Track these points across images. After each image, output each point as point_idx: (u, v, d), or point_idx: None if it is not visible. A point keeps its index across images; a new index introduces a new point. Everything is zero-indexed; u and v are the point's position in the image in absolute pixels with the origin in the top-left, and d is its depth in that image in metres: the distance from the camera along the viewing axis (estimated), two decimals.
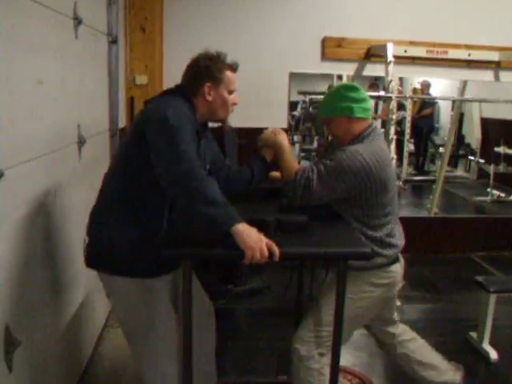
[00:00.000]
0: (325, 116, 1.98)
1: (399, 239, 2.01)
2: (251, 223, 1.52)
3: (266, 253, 1.45)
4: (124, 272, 1.68)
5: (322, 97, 6.56)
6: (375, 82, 6.12)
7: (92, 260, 1.75)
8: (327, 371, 1.79)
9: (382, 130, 5.22)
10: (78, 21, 2.18)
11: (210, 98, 1.74)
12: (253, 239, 1.45)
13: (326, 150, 2.20)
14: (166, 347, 1.78)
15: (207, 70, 1.74)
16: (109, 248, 1.68)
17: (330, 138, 2.43)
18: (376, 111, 6.24)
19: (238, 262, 1.48)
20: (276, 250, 1.47)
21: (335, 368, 1.73)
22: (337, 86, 2.10)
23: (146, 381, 1.82)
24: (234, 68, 1.81)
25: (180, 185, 1.51)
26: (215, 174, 1.89)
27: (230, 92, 1.78)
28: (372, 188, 1.84)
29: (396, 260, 2.00)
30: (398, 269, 2.01)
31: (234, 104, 1.81)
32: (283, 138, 1.95)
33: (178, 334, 1.76)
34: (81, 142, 2.27)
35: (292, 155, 1.95)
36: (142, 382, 1.83)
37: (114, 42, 2.99)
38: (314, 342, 1.91)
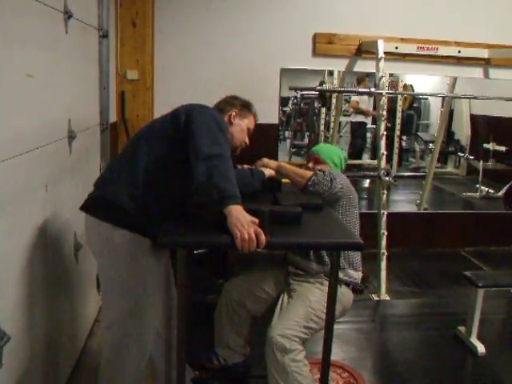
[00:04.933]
0: (323, 156, 2.41)
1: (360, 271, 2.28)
2: (248, 212, 1.54)
3: (253, 236, 1.48)
4: (126, 225, 1.71)
5: (313, 93, 6.56)
6: (362, 76, 6.15)
7: (94, 209, 1.78)
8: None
9: (373, 126, 5.23)
10: (68, 15, 2.17)
11: (233, 122, 2.04)
12: (241, 222, 1.49)
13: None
14: (147, 321, 1.82)
15: (239, 103, 2.09)
16: (117, 201, 1.71)
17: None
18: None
19: (228, 250, 1.51)
20: (262, 238, 1.49)
21: (327, 360, 1.75)
22: (338, 149, 2.58)
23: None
24: (256, 118, 2.14)
25: (209, 161, 1.57)
26: None
27: (248, 131, 2.09)
28: (352, 198, 2.25)
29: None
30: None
31: (246, 143, 2.08)
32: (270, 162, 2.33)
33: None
34: (71, 137, 2.26)
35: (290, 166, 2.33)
36: (111, 343, 1.86)
37: (104, 36, 2.98)
38: (296, 336, 1.96)
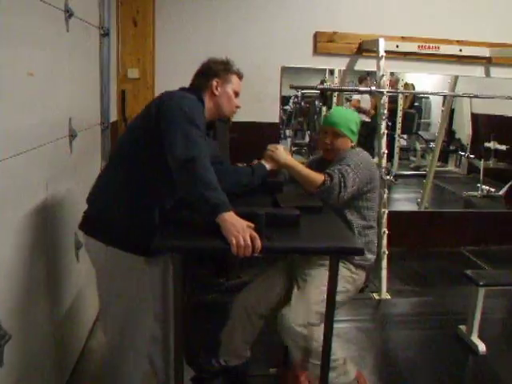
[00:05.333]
0: (341, 130, 2.21)
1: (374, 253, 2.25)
2: (242, 216, 1.53)
3: (249, 242, 1.47)
4: (114, 242, 1.73)
5: (314, 91, 6.53)
6: (364, 75, 6.14)
7: (89, 227, 1.79)
8: None
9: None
10: (69, 13, 2.17)
11: (217, 93, 1.87)
12: (236, 228, 1.48)
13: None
14: (141, 338, 1.85)
15: (217, 69, 1.90)
16: (107, 218, 1.74)
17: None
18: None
19: (226, 254, 1.49)
20: (258, 243, 1.49)
21: (327, 358, 1.75)
22: (348, 110, 2.42)
23: (112, 353, 1.90)
24: (240, 75, 1.97)
25: (186, 169, 1.56)
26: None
27: (236, 94, 1.93)
28: (373, 182, 2.17)
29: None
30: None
31: (238, 107, 1.95)
32: (290, 157, 2.15)
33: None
34: (72, 136, 2.26)
35: (301, 165, 2.15)
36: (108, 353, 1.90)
37: (105, 35, 2.97)
38: (313, 323, 1.98)
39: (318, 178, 2.04)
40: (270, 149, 2.13)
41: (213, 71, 1.90)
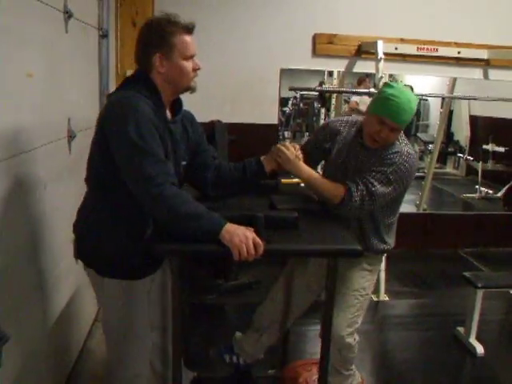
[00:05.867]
0: (402, 124, 1.90)
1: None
2: (241, 219, 1.53)
3: (253, 250, 1.45)
4: (111, 273, 1.64)
5: (313, 93, 6.53)
6: (363, 77, 6.14)
7: (82, 256, 1.72)
8: None
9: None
10: (68, 14, 2.17)
11: (162, 70, 1.56)
12: (239, 237, 1.44)
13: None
14: (141, 349, 1.78)
15: (154, 38, 1.55)
16: (96, 249, 1.64)
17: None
18: None
19: (227, 258, 1.48)
20: (261, 249, 1.46)
21: (326, 359, 1.75)
22: (414, 97, 1.90)
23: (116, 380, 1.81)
24: (189, 29, 1.60)
25: (157, 208, 1.47)
26: (201, 168, 1.83)
27: (187, 58, 1.57)
28: (408, 187, 2.00)
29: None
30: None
31: (196, 69, 1.61)
32: (301, 164, 1.87)
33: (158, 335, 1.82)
34: (71, 136, 2.26)
35: (314, 174, 1.91)
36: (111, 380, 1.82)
37: (104, 36, 2.98)
38: (357, 327, 2.06)
39: (337, 194, 1.87)
40: (277, 149, 1.84)
41: (150, 44, 1.56)
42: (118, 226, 1.61)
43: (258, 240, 1.46)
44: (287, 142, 1.89)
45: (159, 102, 1.59)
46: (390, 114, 1.85)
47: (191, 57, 1.59)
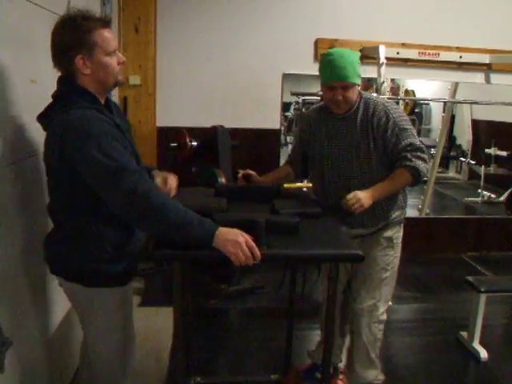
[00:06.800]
0: (350, 81, 1.95)
1: None
2: (242, 223, 1.53)
3: (248, 253, 1.42)
4: (101, 283, 1.59)
5: (315, 98, 6.56)
6: (369, 83, 6.14)
7: (63, 272, 1.63)
8: None
9: None
10: None
11: (87, 71, 1.48)
12: (232, 243, 1.42)
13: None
14: (132, 350, 1.79)
15: (73, 39, 1.44)
16: (82, 262, 1.57)
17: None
18: None
19: (227, 263, 1.47)
20: (256, 252, 1.44)
21: (327, 360, 1.74)
22: (349, 50, 2.04)
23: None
24: (106, 22, 1.51)
25: (143, 220, 1.43)
26: None
27: (110, 53, 1.50)
28: None
29: None
30: None
31: (121, 63, 1.54)
32: (364, 197, 1.91)
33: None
34: None
35: (380, 185, 1.99)
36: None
37: None
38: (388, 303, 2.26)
39: (406, 178, 1.98)
40: (348, 202, 1.90)
41: (69, 46, 1.45)
42: (100, 237, 1.55)
43: (251, 243, 1.44)
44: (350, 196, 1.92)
45: (99, 106, 1.53)
46: (331, 77, 1.96)
47: (114, 51, 1.51)
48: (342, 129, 2.07)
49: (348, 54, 1.98)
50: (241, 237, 1.44)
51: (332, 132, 2.10)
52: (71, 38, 1.44)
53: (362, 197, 1.89)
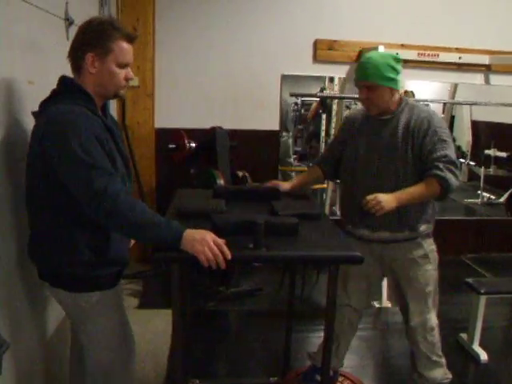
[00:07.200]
0: (370, 80, 1.97)
1: None
2: (241, 225, 1.52)
3: (217, 251, 1.39)
4: (84, 288, 1.58)
5: (313, 99, 6.54)
6: None
7: (52, 280, 1.61)
8: None
9: None
10: (69, 22, 2.18)
11: (93, 70, 1.49)
12: (199, 242, 1.40)
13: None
14: (129, 349, 1.77)
15: (92, 37, 1.48)
16: (68, 269, 1.55)
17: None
18: None
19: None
20: (225, 249, 1.41)
21: (326, 363, 1.73)
22: (383, 53, 2.13)
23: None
24: (130, 38, 1.53)
25: (110, 220, 1.42)
26: None
27: (121, 65, 1.52)
28: None
29: None
30: None
31: (128, 79, 1.57)
32: (386, 200, 1.88)
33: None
34: None
35: (404, 192, 1.95)
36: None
37: None
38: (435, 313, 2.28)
39: (434, 189, 1.93)
40: (368, 203, 1.87)
41: (86, 42, 1.49)
42: (82, 241, 1.53)
43: (219, 241, 1.41)
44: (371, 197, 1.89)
45: (94, 108, 1.53)
46: (358, 76, 2.02)
47: (126, 65, 1.54)
48: (382, 132, 2.05)
49: (376, 57, 2.00)
50: (208, 235, 1.42)
51: (371, 134, 2.08)
52: (91, 37, 1.48)
53: (384, 200, 1.86)
